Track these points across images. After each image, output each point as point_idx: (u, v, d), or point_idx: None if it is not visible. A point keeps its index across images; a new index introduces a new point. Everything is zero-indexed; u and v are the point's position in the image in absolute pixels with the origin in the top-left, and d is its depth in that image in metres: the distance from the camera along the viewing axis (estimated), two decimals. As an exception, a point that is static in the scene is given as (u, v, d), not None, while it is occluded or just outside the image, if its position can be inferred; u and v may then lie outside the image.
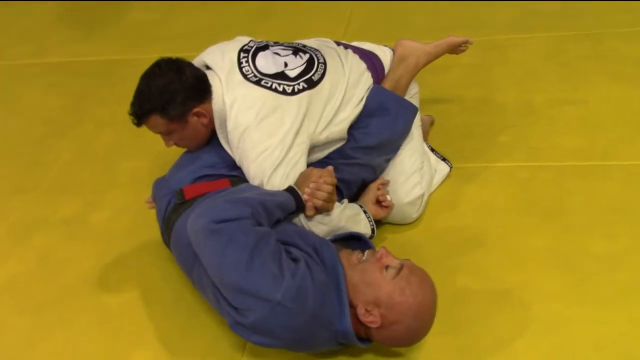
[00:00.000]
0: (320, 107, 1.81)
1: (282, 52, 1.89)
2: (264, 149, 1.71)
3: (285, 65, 1.84)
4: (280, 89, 1.77)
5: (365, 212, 1.84)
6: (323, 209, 1.70)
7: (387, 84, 1.99)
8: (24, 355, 1.78)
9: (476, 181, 2.10)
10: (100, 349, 1.76)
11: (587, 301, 1.65)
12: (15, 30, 3.79)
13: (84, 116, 2.82)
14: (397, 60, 2.04)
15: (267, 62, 1.83)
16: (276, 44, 1.95)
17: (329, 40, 2.06)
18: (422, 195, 1.95)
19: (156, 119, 1.79)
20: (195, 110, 1.77)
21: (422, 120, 2.30)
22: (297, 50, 1.91)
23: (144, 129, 1.86)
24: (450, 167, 2.12)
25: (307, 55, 1.89)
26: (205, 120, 1.80)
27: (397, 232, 1.96)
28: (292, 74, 1.81)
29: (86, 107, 2.88)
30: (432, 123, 2.37)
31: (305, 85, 1.80)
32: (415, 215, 1.96)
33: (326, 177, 1.67)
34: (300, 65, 1.85)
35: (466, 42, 2.14)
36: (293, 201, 1.64)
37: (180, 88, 1.75)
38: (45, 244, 2.15)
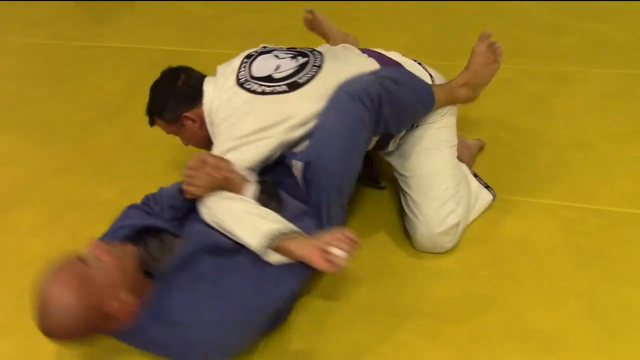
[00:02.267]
0: (299, 107, 1.72)
1: (281, 55, 1.88)
2: (227, 149, 1.69)
3: (277, 68, 1.83)
4: (260, 90, 1.76)
5: (285, 233, 1.51)
6: (196, 195, 1.60)
7: None
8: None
9: (517, 215, 2.01)
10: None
11: (617, 357, 1.55)
12: (77, 14, 3.90)
13: (136, 103, 2.82)
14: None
15: (261, 66, 1.84)
16: (284, 49, 1.94)
17: (354, 48, 2.01)
18: (458, 224, 1.86)
19: (159, 122, 1.97)
20: (185, 114, 1.89)
21: (469, 144, 2.22)
22: (298, 55, 1.88)
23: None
24: (494, 197, 2.03)
25: (305, 59, 1.85)
26: (196, 124, 1.90)
27: (428, 258, 1.89)
28: (278, 76, 1.80)
29: (138, 94, 2.90)
30: (481, 148, 2.29)
31: (287, 88, 1.76)
32: (449, 245, 1.88)
33: (210, 168, 1.56)
34: (291, 68, 1.82)
35: None
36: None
37: (171, 95, 1.90)
38: (78, 224, 2.17)
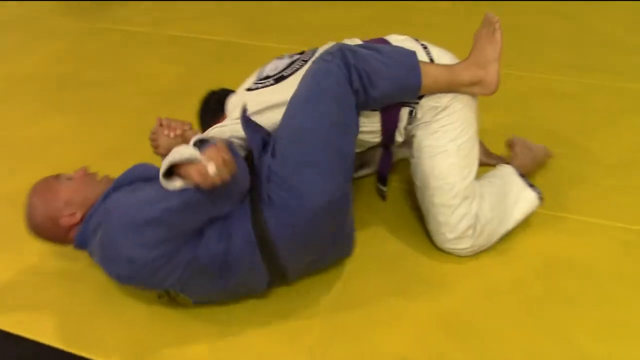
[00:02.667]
0: (278, 96, 1.81)
1: (287, 57, 1.99)
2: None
3: (276, 67, 1.95)
4: (254, 87, 1.92)
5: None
6: (160, 153, 1.80)
7: None
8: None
9: (572, 234, 1.94)
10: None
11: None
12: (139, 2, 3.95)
13: (193, 93, 2.84)
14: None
15: (267, 69, 1.97)
16: (299, 52, 2.01)
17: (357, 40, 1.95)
18: (472, 226, 1.82)
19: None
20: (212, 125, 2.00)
21: (533, 147, 2.16)
22: (299, 54, 1.97)
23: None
24: (539, 196, 1.92)
25: (298, 56, 1.95)
26: None
27: (478, 274, 1.82)
28: (272, 73, 1.93)
29: (197, 84, 2.92)
30: (547, 155, 2.21)
31: (273, 82, 1.89)
32: (470, 248, 1.85)
33: (165, 129, 1.81)
34: (284, 65, 1.93)
35: None
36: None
37: (202, 112, 2.13)
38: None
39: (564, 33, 3.25)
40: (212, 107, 2.09)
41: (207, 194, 1.50)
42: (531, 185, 1.94)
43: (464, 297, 1.75)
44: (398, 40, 1.92)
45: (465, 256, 1.87)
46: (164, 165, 1.51)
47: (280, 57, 2.02)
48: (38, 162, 2.46)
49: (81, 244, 1.66)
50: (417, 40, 1.93)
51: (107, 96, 2.92)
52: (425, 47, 1.90)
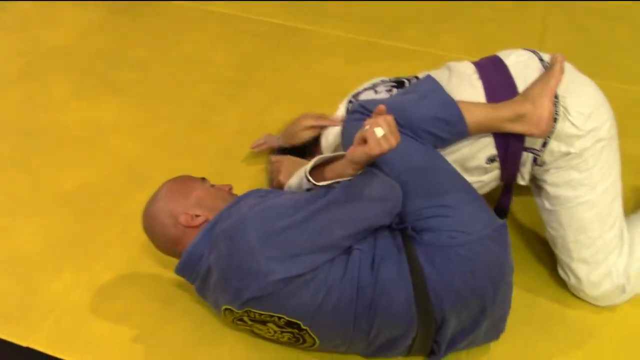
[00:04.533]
0: None
1: (380, 89, 1.79)
2: None
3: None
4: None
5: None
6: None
7: None
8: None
9: None
10: None
11: None
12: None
13: (254, 82, 2.61)
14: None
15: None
16: (387, 80, 1.83)
17: (470, 66, 1.71)
18: (619, 287, 1.61)
19: None
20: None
21: None
22: (395, 86, 1.78)
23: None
24: None
25: (397, 90, 1.76)
26: None
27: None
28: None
29: (256, 71, 2.67)
30: None
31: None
32: (619, 301, 1.66)
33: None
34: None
35: None
36: None
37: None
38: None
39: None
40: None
41: (356, 193, 1.35)
42: None
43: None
44: (520, 58, 1.67)
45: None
46: (309, 165, 1.43)
47: (373, 86, 1.81)
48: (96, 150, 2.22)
49: (191, 259, 1.44)
50: (534, 52, 1.69)
51: (157, 79, 2.65)
52: (541, 60, 1.65)
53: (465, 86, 1.64)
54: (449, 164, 1.55)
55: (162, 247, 1.53)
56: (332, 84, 2.53)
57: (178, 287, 1.73)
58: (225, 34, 2.97)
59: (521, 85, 1.62)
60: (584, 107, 1.57)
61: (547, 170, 1.63)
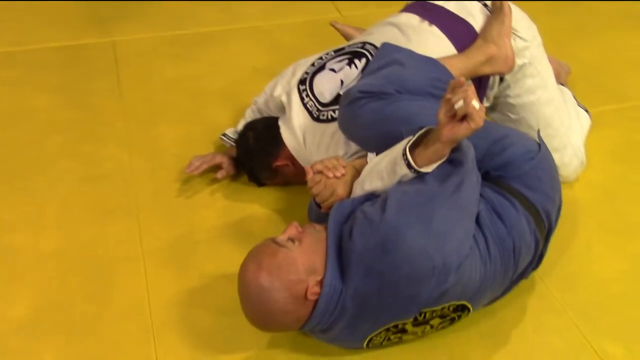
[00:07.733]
0: None
1: (337, 67, 1.82)
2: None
3: (341, 83, 1.79)
4: (336, 115, 1.73)
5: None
6: (339, 198, 1.56)
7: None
8: None
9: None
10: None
11: None
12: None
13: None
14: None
15: (323, 88, 1.80)
16: (335, 54, 1.87)
17: (412, 16, 1.85)
18: (583, 159, 1.94)
19: (267, 183, 1.98)
20: (276, 164, 1.87)
21: (562, 63, 2.27)
22: (353, 57, 1.82)
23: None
24: (589, 115, 2.09)
25: (364, 60, 1.80)
26: (289, 166, 1.88)
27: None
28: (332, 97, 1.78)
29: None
30: (568, 73, 2.30)
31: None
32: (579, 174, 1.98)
33: (327, 173, 1.56)
34: (355, 78, 1.77)
35: None
36: None
37: (252, 159, 1.91)
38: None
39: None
40: (260, 147, 1.89)
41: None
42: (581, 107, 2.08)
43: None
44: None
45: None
46: (408, 158, 1.36)
47: (320, 69, 1.84)
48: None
49: (327, 307, 1.35)
50: None
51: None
52: (485, 5, 1.85)
53: (429, 39, 1.79)
54: None
55: (282, 331, 1.49)
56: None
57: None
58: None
59: (475, 25, 1.83)
60: (522, 21, 1.84)
61: (508, 86, 1.87)
